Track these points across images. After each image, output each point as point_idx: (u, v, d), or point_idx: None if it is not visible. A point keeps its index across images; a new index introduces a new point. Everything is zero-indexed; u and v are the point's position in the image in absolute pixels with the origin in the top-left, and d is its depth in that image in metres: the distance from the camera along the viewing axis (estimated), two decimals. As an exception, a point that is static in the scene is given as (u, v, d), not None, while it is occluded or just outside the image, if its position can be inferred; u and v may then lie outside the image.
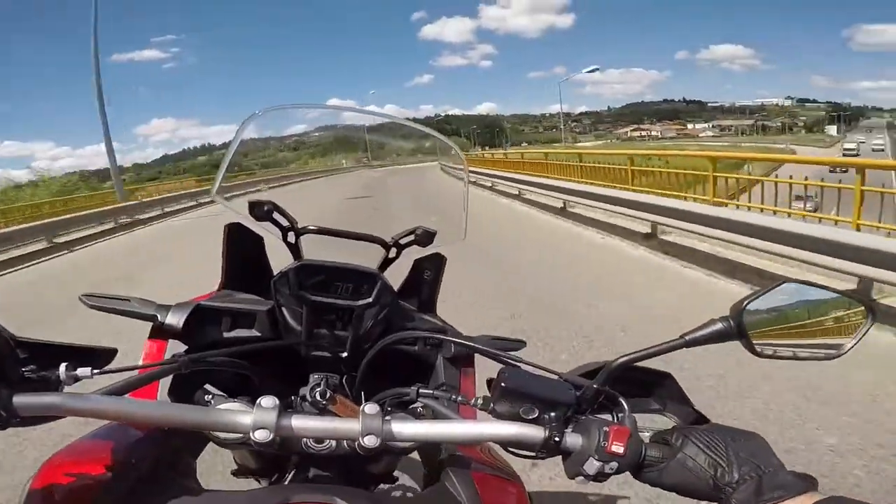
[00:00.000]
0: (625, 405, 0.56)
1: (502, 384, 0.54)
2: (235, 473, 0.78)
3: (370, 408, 0.52)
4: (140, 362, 0.61)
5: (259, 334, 0.72)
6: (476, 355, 0.77)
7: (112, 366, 0.53)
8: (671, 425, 0.56)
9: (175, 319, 0.68)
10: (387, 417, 0.52)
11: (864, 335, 0.57)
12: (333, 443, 0.57)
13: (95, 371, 0.50)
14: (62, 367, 0.48)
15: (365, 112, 1.25)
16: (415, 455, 0.68)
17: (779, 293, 0.55)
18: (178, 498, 0.48)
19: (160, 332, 0.68)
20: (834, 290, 0.57)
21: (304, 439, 0.57)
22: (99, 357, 0.54)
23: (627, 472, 0.52)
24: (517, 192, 12.03)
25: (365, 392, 0.68)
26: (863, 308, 0.57)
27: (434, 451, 0.65)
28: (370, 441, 0.50)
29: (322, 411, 0.62)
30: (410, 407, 0.66)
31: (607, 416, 0.56)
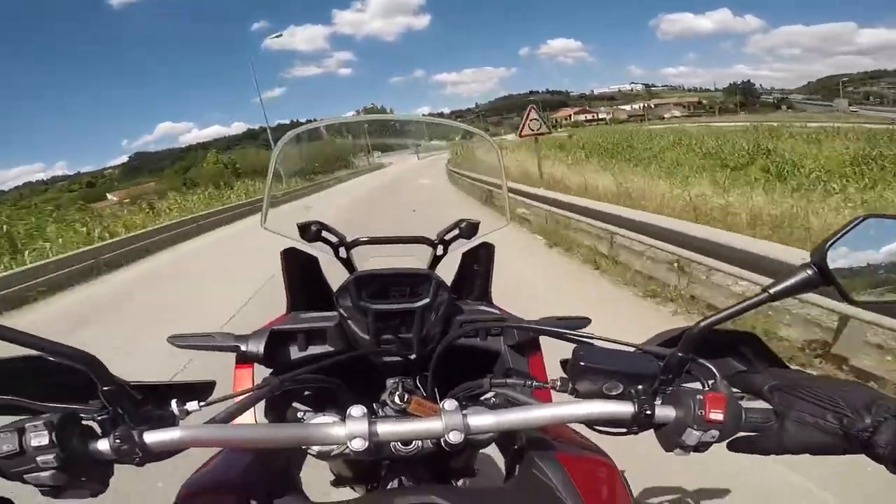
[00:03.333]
0: (714, 371, 0.53)
1: (580, 363, 0.54)
2: (334, 483, 0.82)
3: (449, 404, 0.53)
4: (231, 390, 0.66)
5: (332, 348, 0.75)
6: (542, 338, 0.77)
7: (214, 396, 0.57)
8: (765, 387, 0.52)
9: (255, 347, 0.72)
10: (465, 412, 0.53)
11: None
12: (419, 443, 0.59)
13: (202, 403, 0.54)
14: (173, 403, 0.53)
15: (388, 118, 1.28)
16: (490, 448, 0.68)
17: (863, 230, 0.49)
18: None
19: (245, 359, 0.73)
20: None
21: (393, 443, 0.58)
22: (201, 390, 0.58)
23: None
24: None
25: (438, 390, 0.70)
26: None
27: (512, 440, 0.65)
28: (454, 437, 0.51)
29: (403, 414, 0.64)
30: (484, 398, 0.66)
31: (696, 385, 0.54)
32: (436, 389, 0.70)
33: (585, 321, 0.78)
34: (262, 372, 0.73)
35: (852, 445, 0.46)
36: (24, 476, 0.42)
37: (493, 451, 0.69)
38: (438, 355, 0.68)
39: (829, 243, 0.48)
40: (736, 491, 1.88)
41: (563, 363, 0.59)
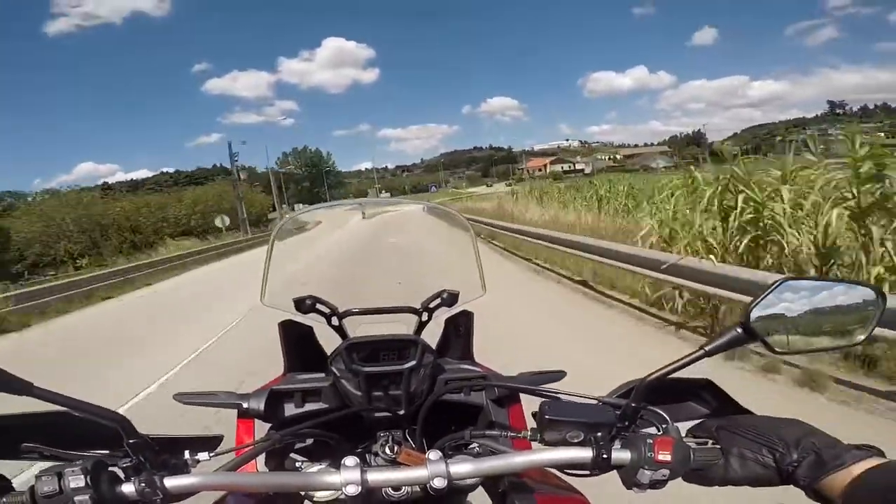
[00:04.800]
0: (666, 416, 0.60)
1: (546, 416, 0.60)
2: None
3: (434, 454, 0.59)
4: (234, 440, 0.72)
5: (326, 405, 0.82)
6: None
7: (221, 447, 0.63)
8: (713, 427, 0.59)
9: (256, 404, 0.79)
10: (448, 461, 0.58)
11: (878, 320, 0.59)
12: (408, 489, 0.64)
13: (211, 454, 0.60)
14: (186, 453, 0.59)
15: (377, 201, 1.41)
16: (480, 491, 0.73)
17: (782, 292, 0.57)
18: None
19: (246, 415, 0.79)
20: (835, 280, 0.60)
21: (384, 490, 0.64)
22: (210, 442, 0.64)
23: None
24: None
25: (426, 441, 0.75)
26: (871, 291, 0.59)
27: (496, 484, 0.70)
28: (438, 482, 0.57)
29: (392, 463, 0.70)
30: (468, 448, 0.72)
31: (653, 430, 0.60)
32: (423, 441, 0.75)
33: (561, 374, 0.86)
34: (260, 426, 0.79)
35: (782, 478, 0.52)
36: None
37: (482, 495, 0.73)
38: (425, 410, 0.73)
39: (753, 305, 0.56)
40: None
41: (535, 415, 0.65)
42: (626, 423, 0.60)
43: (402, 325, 0.91)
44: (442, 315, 0.94)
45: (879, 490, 0.44)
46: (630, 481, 0.56)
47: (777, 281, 0.58)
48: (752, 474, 0.54)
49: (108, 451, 0.57)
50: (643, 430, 0.60)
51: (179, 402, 0.79)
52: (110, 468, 0.52)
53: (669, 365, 0.58)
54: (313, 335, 0.91)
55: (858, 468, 0.47)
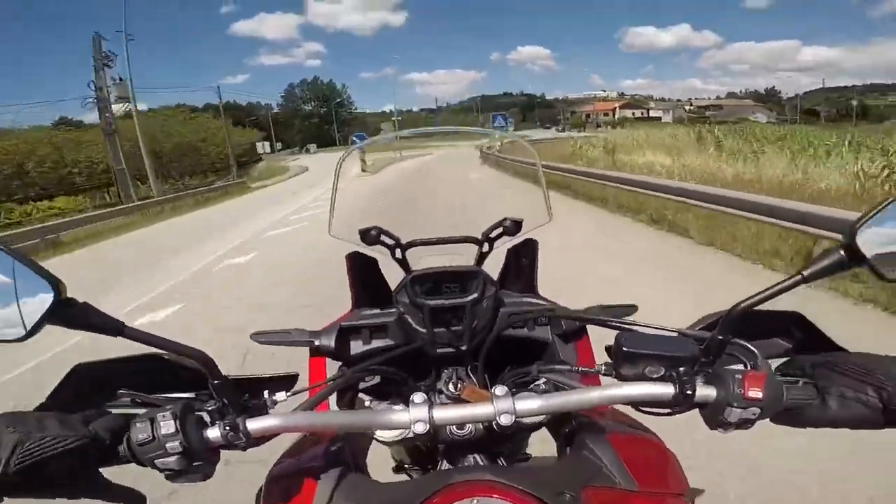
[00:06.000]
0: (754, 350, 0.55)
1: (623, 348, 0.57)
2: (395, 470, 0.88)
3: (500, 390, 0.58)
4: (307, 381, 0.74)
5: (392, 341, 0.82)
6: (589, 326, 0.81)
7: (297, 386, 0.65)
8: (807, 364, 0.55)
9: (327, 341, 0.80)
10: (515, 397, 0.57)
11: None
12: (472, 427, 0.64)
13: (288, 393, 0.62)
14: (265, 393, 0.60)
15: (433, 131, 1.36)
16: (544, 431, 0.72)
17: (892, 211, 0.50)
18: (370, 488, 0.59)
19: (318, 353, 0.81)
20: None
21: (449, 427, 0.64)
22: (286, 381, 0.65)
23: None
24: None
25: (490, 378, 0.75)
26: None
27: (563, 424, 0.69)
28: (505, 419, 0.55)
29: (456, 401, 0.70)
30: (534, 385, 0.70)
31: (740, 366, 0.56)
32: (486, 378, 0.75)
33: (632, 308, 0.82)
34: (332, 364, 0.81)
35: (889, 419, 0.48)
36: (155, 461, 0.50)
37: (546, 434, 0.73)
38: (487, 346, 0.72)
39: (859, 225, 0.50)
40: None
41: (608, 349, 0.63)
42: (711, 358, 0.56)
43: (464, 259, 0.89)
44: (505, 245, 0.90)
45: None
46: (715, 420, 0.53)
47: (887, 199, 0.50)
48: (855, 415, 0.50)
49: (194, 395, 0.59)
50: (728, 367, 0.56)
51: (255, 342, 0.82)
52: (197, 412, 0.54)
53: (760, 293, 0.53)
54: (378, 268, 0.90)
55: None
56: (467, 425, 0.64)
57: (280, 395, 0.61)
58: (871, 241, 0.50)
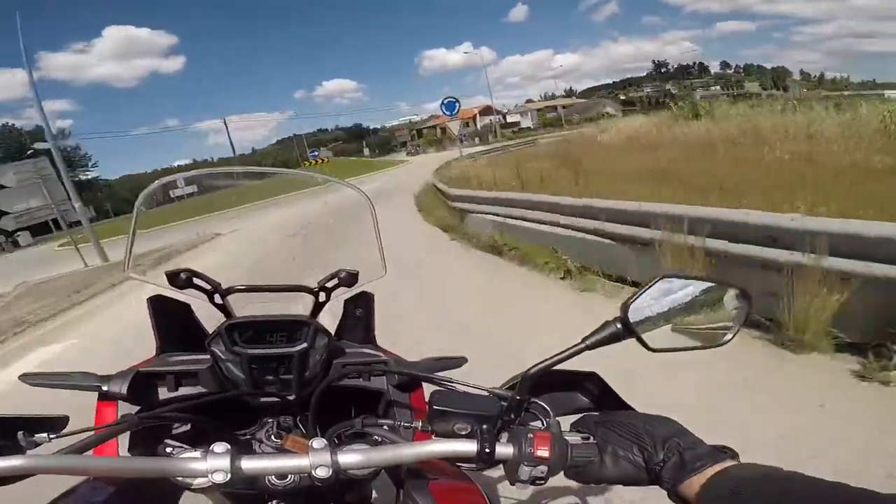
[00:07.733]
0: (548, 409, 0.60)
1: (433, 406, 0.60)
2: None
3: (317, 442, 0.57)
4: (92, 424, 0.66)
5: (205, 390, 0.77)
6: None
7: (66, 430, 0.58)
8: (592, 423, 0.60)
9: (118, 387, 0.73)
10: (338, 450, 0.56)
11: (745, 319, 0.62)
12: (296, 478, 0.62)
13: (52, 436, 0.55)
14: (19, 434, 0.53)
15: (249, 170, 1.33)
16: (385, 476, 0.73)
17: (659, 287, 0.59)
18: None
19: (107, 397, 0.73)
20: (707, 279, 0.62)
21: (268, 477, 0.61)
22: (52, 424, 0.58)
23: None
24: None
25: (320, 428, 0.73)
26: (737, 293, 0.61)
27: (397, 471, 0.69)
28: (322, 472, 0.54)
29: (278, 450, 0.67)
30: (369, 436, 0.70)
31: (538, 423, 0.60)
32: (317, 428, 0.72)
33: (462, 360, 0.86)
34: (130, 411, 0.73)
35: (650, 478, 0.53)
36: None
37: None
38: (318, 395, 0.71)
39: (631, 300, 0.58)
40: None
41: (428, 404, 0.65)
42: (512, 416, 0.60)
43: (298, 308, 0.87)
44: (342, 296, 0.90)
45: (725, 495, 0.45)
46: (512, 477, 0.56)
47: (656, 277, 0.59)
48: (624, 473, 0.54)
49: None
50: (530, 424, 0.60)
51: (25, 384, 0.71)
52: None
53: (552, 357, 0.59)
54: (191, 312, 0.85)
55: (712, 471, 0.48)
56: (289, 476, 0.62)
57: (40, 437, 0.55)
58: (639, 313, 0.58)
